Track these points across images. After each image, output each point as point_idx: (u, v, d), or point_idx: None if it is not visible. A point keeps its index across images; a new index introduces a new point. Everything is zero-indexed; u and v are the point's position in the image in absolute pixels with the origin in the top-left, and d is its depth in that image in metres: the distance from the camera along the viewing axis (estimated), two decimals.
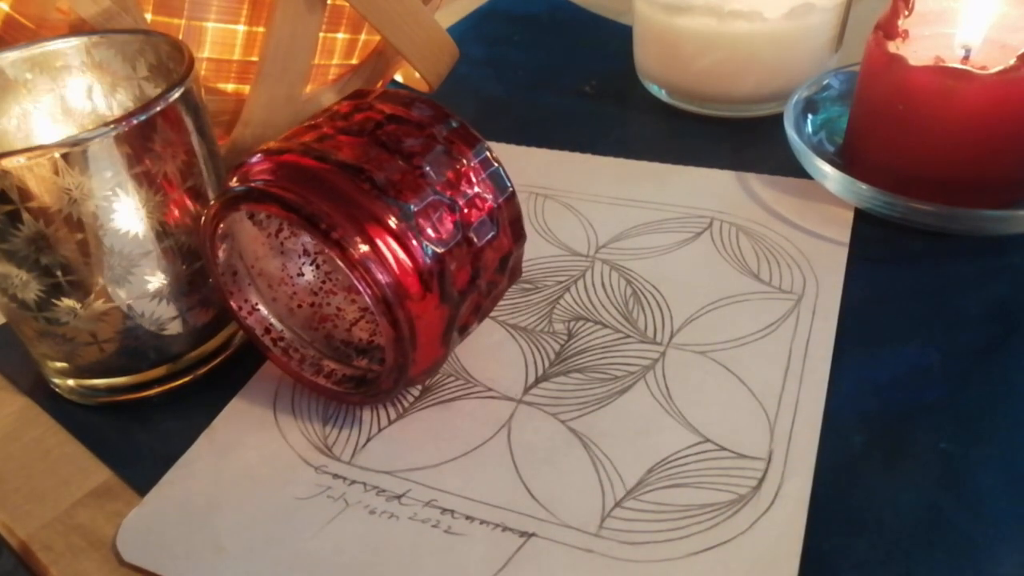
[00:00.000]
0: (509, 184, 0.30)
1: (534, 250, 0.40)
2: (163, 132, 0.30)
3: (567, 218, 0.43)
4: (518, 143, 0.49)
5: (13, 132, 0.35)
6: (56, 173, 0.28)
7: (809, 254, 0.39)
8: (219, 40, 0.39)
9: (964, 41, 0.40)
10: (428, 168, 0.28)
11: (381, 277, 0.26)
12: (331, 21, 0.42)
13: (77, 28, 0.35)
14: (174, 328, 0.33)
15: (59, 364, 0.33)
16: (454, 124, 0.30)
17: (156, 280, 0.32)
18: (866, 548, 0.26)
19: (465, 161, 0.29)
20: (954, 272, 0.37)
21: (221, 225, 0.30)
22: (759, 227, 0.41)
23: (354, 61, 0.45)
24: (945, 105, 0.37)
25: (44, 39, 0.34)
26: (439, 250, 0.27)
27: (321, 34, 0.41)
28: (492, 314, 0.37)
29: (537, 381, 0.33)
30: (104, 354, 0.32)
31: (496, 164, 0.30)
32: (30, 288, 0.30)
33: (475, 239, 0.29)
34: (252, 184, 0.28)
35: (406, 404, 0.33)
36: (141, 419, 0.33)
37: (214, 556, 0.27)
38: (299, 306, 0.33)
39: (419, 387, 0.33)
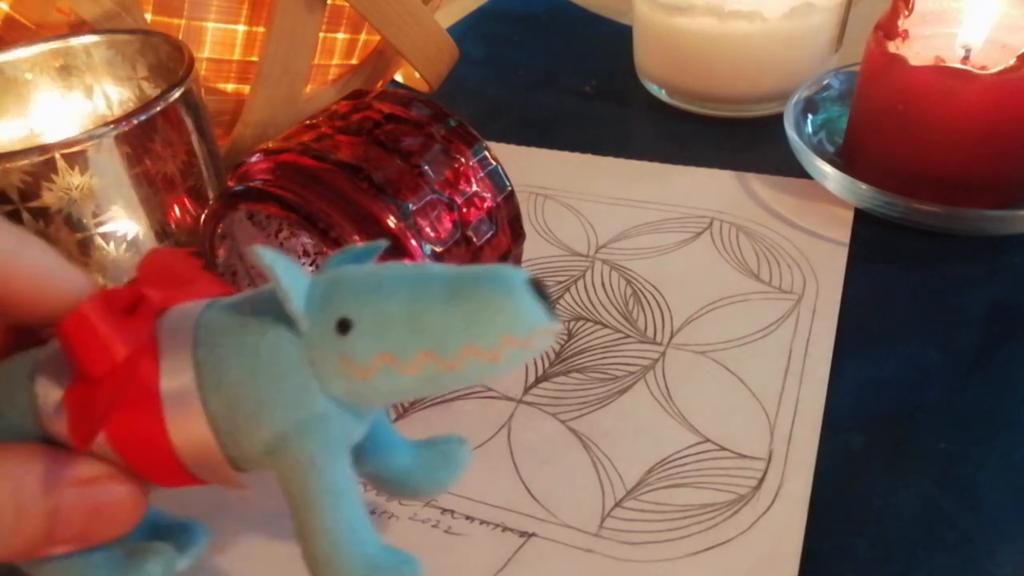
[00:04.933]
0: (508, 183, 0.30)
1: (534, 250, 0.40)
2: (163, 132, 0.30)
3: (567, 218, 0.43)
4: (518, 143, 0.49)
5: (13, 132, 0.35)
6: (56, 173, 0.28)
7: (809, 254, 0.39)
8: (219, 40, 0.39)
9: (964, 41, 0.40)
10: (426, 167, 0.28)
11: None
12: (331, 21, 0.42)
13: (77, 28, 0.35)
14: None
15: None
16: (452, 123, 0.30)
17: None
18: (866, 548, 0.26)
19: (464, 160, 0.29)
20: (954, 272, 0.37)
21: (221, 225, 0.30)
22: (759, 227, 0.41)
23: (354, 61, 0.45)
24: (945, 105, 0.37)
25: (44, 39, 0.34)
26: (437, 249, 0.27)
27: (321, 34, 0.41)
28: None
29: (537, 381, 0.33)
30: None
31: (494, 163, 0.30)
32: None
33: (474, 238, 0.29)
34: (251, 184, 0.28)
35: (406, 404, 0.33)
36: None
37: (213, 556, 0.27)
38: None
39: None
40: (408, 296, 0.18)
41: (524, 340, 0.18)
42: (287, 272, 0.18)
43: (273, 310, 0.19)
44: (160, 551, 0.22)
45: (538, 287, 0.18)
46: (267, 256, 0.18)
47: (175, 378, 0.18)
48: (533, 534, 0.27)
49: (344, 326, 0.18)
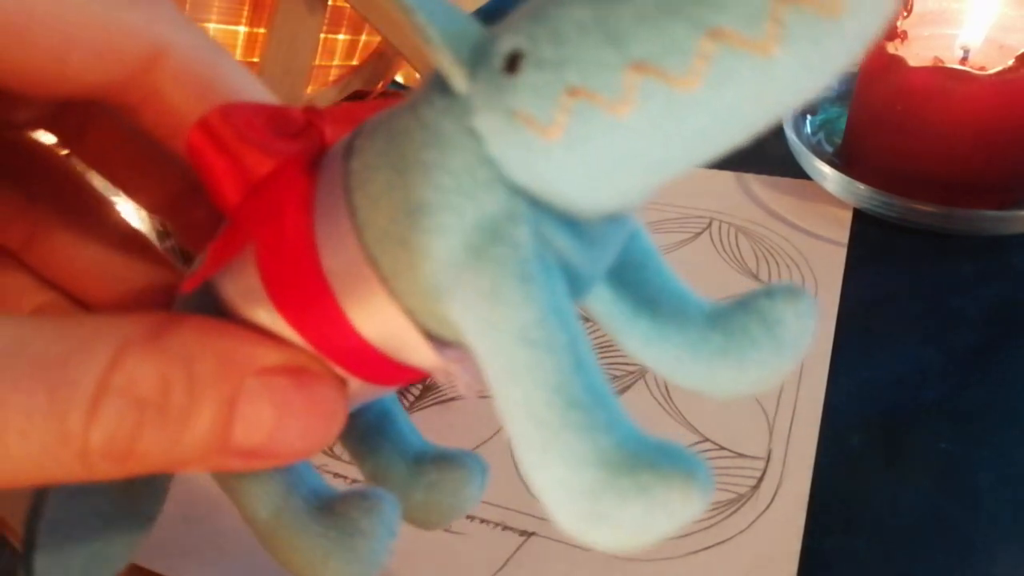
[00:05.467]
0: None
1: None
2: None
3: None
4: None
5: None
6: None
7: (808, 254, 0.39)
8: (220, 41, 0.39)
9: (963, 42, 0.40)
10: None
11: None
12: (332, 22, 0.42)
13: None
14: None
15: None
16: None
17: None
18: (865, 548, 0.26)
19: None
20: (953, 272, 0.37)
21: None
22: (758, 227, 0.41)
23: (355, 62, 0.45)
24: (944, 106, 0.37)
25: None
26: None
27: (322, 35, 0.41)
28: None
29: None
30: None
31: None
32: None
33: None
34: None
35: (406, 404, 0.33)
36: None
37: (214, 556, 0.27)
38: None
39: (419, 386, 0.33)
40: None
41: None
42: (425, 4, 0.12)
43: (434, 82, 0.12)
44: (377, 505, 0.16)
45: None
46: None
47: (327, 199, 0.13)
48: (533, 533, 0.27)
49: (513, 63, 0.11)
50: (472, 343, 0.12)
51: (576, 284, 0.12)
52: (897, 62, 0.38)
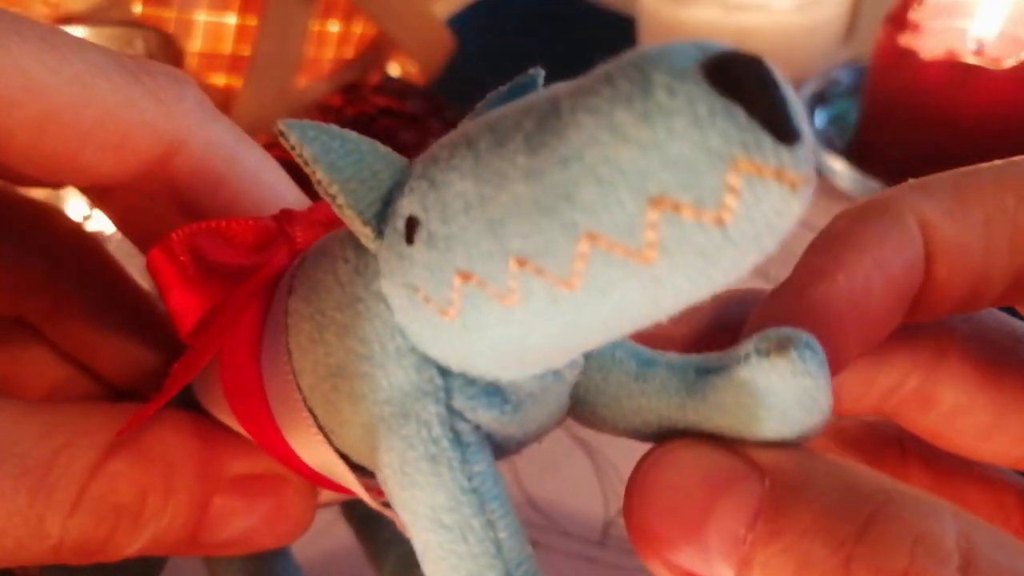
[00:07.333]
0: None
1: None
2: None
3: None
4: None
5: None
6: None
7: None
8: (211, 33, 0.39)
9: (977, 34, 0.39)
10: None
11: None
12: (324, 12, 0.41)
13: (64, 22, 0.34)
14: None
15: None
16: (449, 117, 0.29)
17: (145, 279, 0.31)
18: None
19: None
20: None
21: None
22: None
23: (348, 55, 0.45)
24: (958, 100, 0.36)
25: None
26: None
27: (316, 27, 0.40)
28: None
29: None
30: None
31: None
32: None
33: None
34: None
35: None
36: None
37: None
38: None
39: None
40: (482, 152, 0.10)
41: (713, 200, 0.08)
42: (324, 149, 0.11)
43: (349, 232, 0.12)
44: None
45: (730, 69, 0.08)
46: (294, 130, 0.11)
47: (271, 337, 0.13)
48: (534, 543, 0.26)
49: (410, 230, 0.10)
50: (394, 509, 0.12)
51: (509, 446, 0.13)
52: (910, 54, 0.37)
